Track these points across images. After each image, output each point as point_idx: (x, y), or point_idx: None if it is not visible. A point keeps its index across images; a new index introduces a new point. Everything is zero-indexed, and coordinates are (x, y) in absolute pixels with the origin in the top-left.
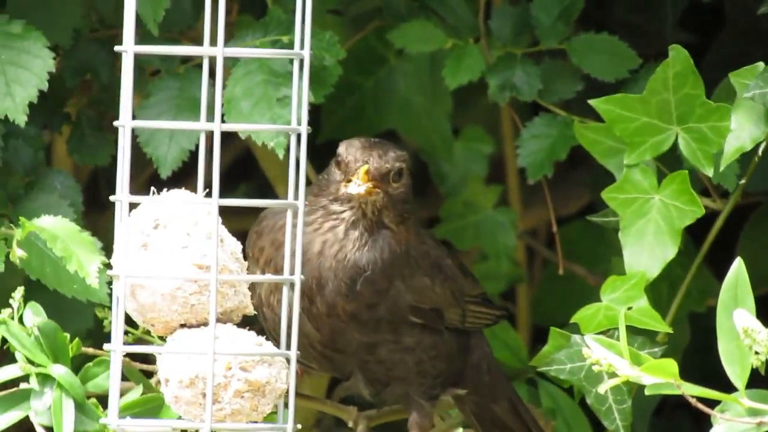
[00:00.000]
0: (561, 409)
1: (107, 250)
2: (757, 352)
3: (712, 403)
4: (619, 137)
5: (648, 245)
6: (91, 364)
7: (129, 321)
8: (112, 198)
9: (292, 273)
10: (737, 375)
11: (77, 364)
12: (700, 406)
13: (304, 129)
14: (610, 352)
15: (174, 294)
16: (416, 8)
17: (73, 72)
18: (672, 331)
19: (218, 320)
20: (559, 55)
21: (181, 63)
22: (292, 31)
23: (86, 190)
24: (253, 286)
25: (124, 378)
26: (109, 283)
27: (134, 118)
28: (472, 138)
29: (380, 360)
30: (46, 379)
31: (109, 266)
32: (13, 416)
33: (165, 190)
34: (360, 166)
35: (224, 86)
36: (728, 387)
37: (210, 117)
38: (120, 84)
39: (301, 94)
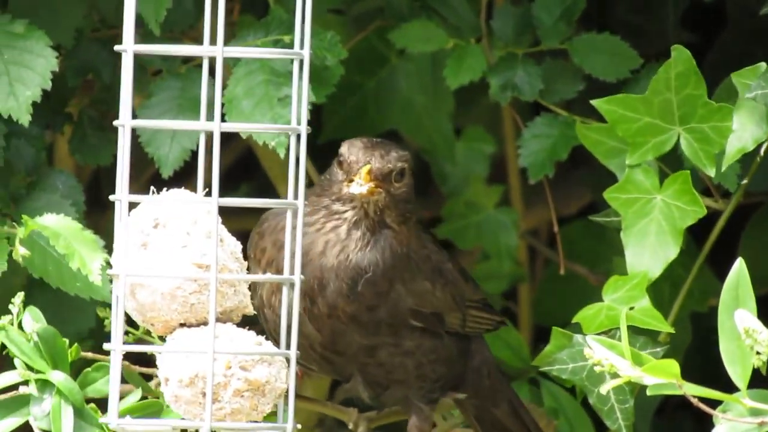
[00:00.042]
0: (563, 408)
1: (109, 249)
2: (758, 353)
3: (714, 403)
4: (621, 137)
5: (650, 245)
6: (90, 369)
7: (130, 322)
8: (111, 197)
9: (292, 273)
10: (739, 375)
11: (77, 367)
12: (702, 406)
13: (304, 129)
14: (611, 353)
15: (174, 293)
16: (418, 8)
17: (75, 72)
18: (674, 331)
19: (218, 320)
20: (561, 55)
21: (182, 63)
22: (294, 30)
23: (88, 190)
24: (254, 287)
25: (123, 381)
26: (110, 282)
27: (136, 117)
28: (474, 138)
29: (380, 363)
30: (45, 384)
31: (109, 265)
32: (12, 422)
33: (166, 189)
34: (362, 166)
35: (225, 86)
36: (730, 387)
37: (211, 117)
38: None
39: (301, 94)
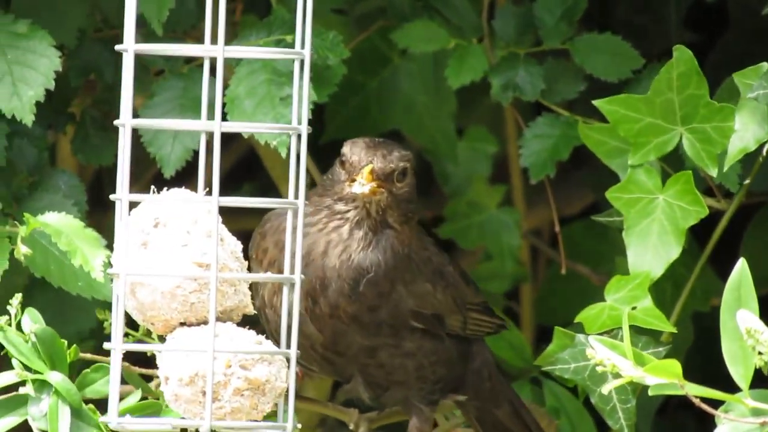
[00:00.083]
0: (565, 408)
1: (111, 248)
2: (760, 353)
3: (716, 403)
4: (623, 137)
5: (652, 245)
6: (89, 370)
7: (130, 323)
8: (112, 197)
9: (293, 273)
10: (741, 375)
11: (77, 367)
12: (704, 406)
13: (305, 128)
14: (613, 353)
15: (174, 292)
16: (420, 8)
17: (77, 72)
18: (676, 331)
19: (218, 319)
20: (562, 55)
21: (185, 63)
22: (296, 30)
23: (90, 190)
24: (256, 288)
25: (123, 382)
26: (110, 281)
27: (138, 117)
28: (476, 138)
29: (380, 364)
30: (42, 385)
31: (110, 264)
32: (9, 422)
33: (167, 189)
34: (364, 166)
35: (227, 85)
36: (732, 387)
37: (212, 116)
38: None
39: (301, 94)
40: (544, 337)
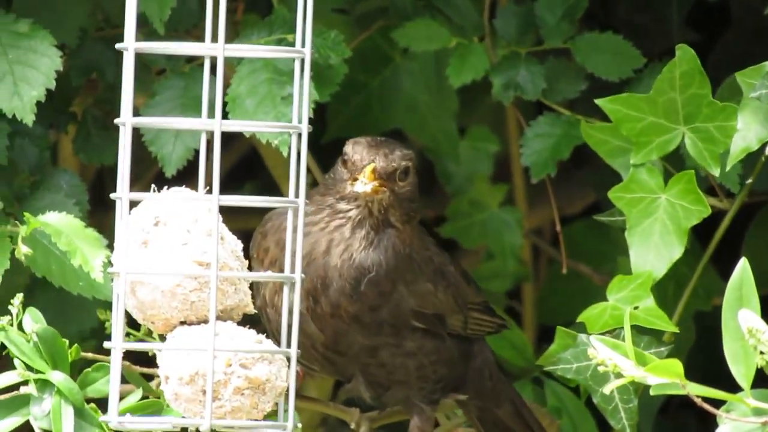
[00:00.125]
0: (566, 408)
1: (112, 248)
2: (762, 352)
3: (718, 403)
4: (625, 137)
5: (654, 245)
6: (90, 369)
7: (131, 323)
8: (112, 195)
9: (293, 272)
10: (742, 375)
11: (78, 367)
12: (706, 405)
13: (305, 127)
14: (615, 353)
15: (174, 291)
16: (421, 7)
17: (79, 71)
18: (678, 331)
19: (218, 318)
20: (564, 54)
21: (186, 62)
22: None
23: (92, 189)
24: (257, 287)
25: (124, 381)
26: (111, 280)
27: (139, 116)
28: (478, 137)
29: (381, 363)
30: (45, 384)
31: (110, 263)
32: (12, 422)
33: (168, 188)
34: (366, 165)
35: (228, 84)
36: (733, 387)
37: (213, 115)
38: None
39: (302, 93)
40: (545, 337)
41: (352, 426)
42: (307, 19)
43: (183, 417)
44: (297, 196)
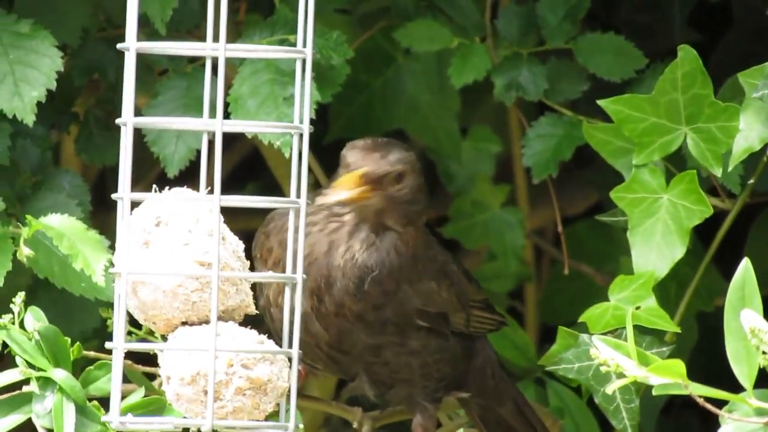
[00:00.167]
0: (569, 408)
1: (114, 248)
2: (764, 352)
3: (720, 403)
4: (627, 137)
5: (656, 245)
6: (92, 367)
7: (133, 322)
8: (114, 196)
9: (295, 272)
10: (745, 375)
11: (80, 367)
12: (708, 405)
13: (306, 128)
14: (617, 353)
15: (175, 291)
16: (423, 7)
17: (80, 71)
18: (680, 331)
19: (220, 318)
20: (565, 54)
21: (188, 62)
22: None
23: (94, 190)
24: (261, 287)
25: (126, 380)
26: (113, 281)
27: (140, 116)
28: (480, 137)
29: (385, 362)
30: (47, 382)
31: (112, 264)
32: (14, 419)
33: (169, 189)
34: (354, 170)
35: (231, 85)
36: (736, 387)
37: (215, 115)
38: None
39: (303, 93)
40: (547, 337)
41: (355, 425)
42: (308, 20)
43: (184, 417)
44: (298, 196)
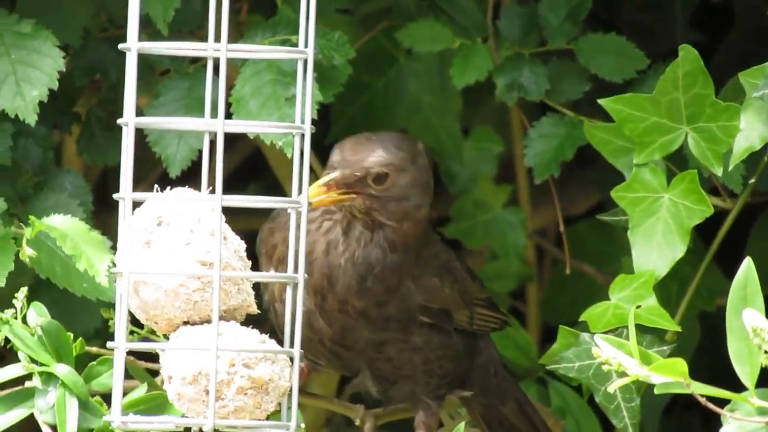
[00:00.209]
0: (571, 408)
1: (116, 248)
2: (766, 352)
3: (722, 402)
4: (628, 137)
5: (657, 244)
6: (95, 362)
7: (135, 322)
8: (115, 196)
9: (296, 271)
10: (747, 374)
11: (82, 363)
12: (710, 405)
13: (308, 128)
14: (619, 352)
15: (177, 291)
16: (425, 8)
17: (82, 72)
18: (680, 330)
19: (222, 318)
20: (567, 55)
21: (190, 63)
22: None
23: (96, 190)
24: (265, 283)
25: (128, 376)
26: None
27: (142, 116)
28: (482, 138)
29: (388, 358)
30: (49, 377)
31: (114, 265)
32: (17, 414)
33: (170, 189)
34: (329, 172)
35: (233, 86)
36: (738, 386)
37: (216, 116)
38: None
39: (304, 93)
40: (549, 337)
41: (357, 423)
42: (310, 20)
43: (186, 417)
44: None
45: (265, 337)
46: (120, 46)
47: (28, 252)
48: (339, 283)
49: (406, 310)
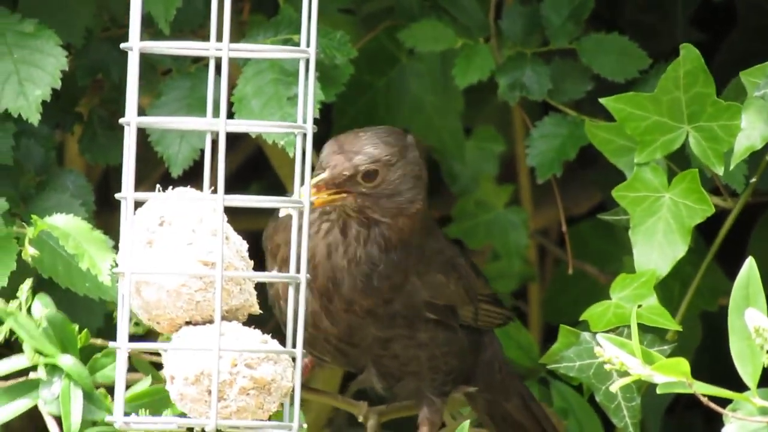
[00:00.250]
0: (573, 408)
1: (117, 248)
2: None
3: (724, 402)
4: (629, 136)
5: (658, 243)
6: (99, 355)
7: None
8: (117, 195)
9: (298, 272)
10: (749, 374)
11: (86, 357)
12: (712, 405)
13: (310, 127)
14: (621, 351)
15: (179, 291)
16: (427, 8)
17: (84, 71)
18: (681, 329)
19: (224, 318)
20: (569, 54)
21: (192, 62)
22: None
23: (98, 190)
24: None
25: (133, 369)
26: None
27: (144, 116)
28: (484, 137)
29: (394, 355)
30: (54, 369)
31: (116, 264)
32: (21, 405)
33: (172, 189)
34: (317, 173)
35: (235, 85)
36: (740, 386)
37: (218, 115)
38: None
39: (306, 93)
40: (551, 337)
41: (360, 419)
42: (312, 20)
43: (188, 417)
44: (302, 196)
45: (268, 337)
46: (122, 45)
47: (30, 251)
48: (345, 285)
49: (412, 307)
